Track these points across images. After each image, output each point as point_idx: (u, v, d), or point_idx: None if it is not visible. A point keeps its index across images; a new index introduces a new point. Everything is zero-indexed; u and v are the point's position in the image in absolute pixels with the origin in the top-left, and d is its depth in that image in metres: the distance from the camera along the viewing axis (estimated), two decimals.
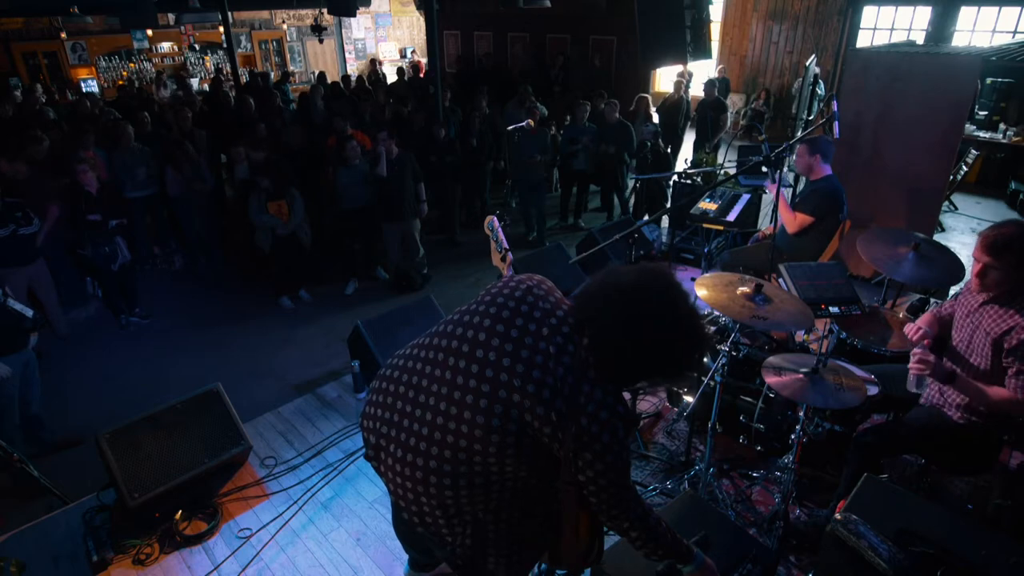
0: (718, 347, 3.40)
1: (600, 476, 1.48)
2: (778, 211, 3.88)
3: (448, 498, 1.57)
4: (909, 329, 2.63)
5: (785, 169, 4.10)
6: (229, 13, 9.38)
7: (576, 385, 1.46)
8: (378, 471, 1.72)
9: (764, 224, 5.94)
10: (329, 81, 10.94)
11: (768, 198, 5.98)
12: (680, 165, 8.44)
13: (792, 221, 3.95)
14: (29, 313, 3.46)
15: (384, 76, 13.24)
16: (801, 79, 10.03)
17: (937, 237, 6.35)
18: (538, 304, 1.55)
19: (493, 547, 1.69)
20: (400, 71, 11.87)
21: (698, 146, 8.36)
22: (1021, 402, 2.22)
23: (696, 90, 9.75)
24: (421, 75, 12.23)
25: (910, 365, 2.36)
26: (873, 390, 2.69)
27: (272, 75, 11.88)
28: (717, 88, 8.32)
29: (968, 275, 2.51)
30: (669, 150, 7.73)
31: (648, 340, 1.45)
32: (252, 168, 5.80)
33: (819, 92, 9.64)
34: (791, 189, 6.09)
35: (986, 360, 2.35)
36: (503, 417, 1.47)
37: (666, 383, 1.43)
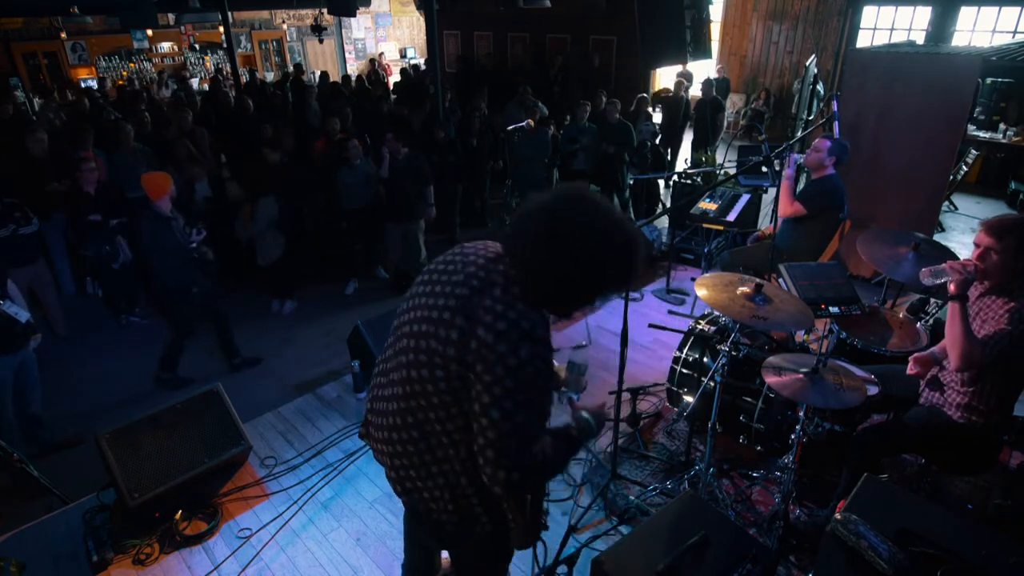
0: (718, 347, 3.40)
1: (494, 405, 1.38)
2: (778, 198, 3.87)
3: (414, 454, 1.59)
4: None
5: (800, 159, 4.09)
6: (229, 13, 9.38)
7: (478, 301, 1.43)
8: (372, 450, 1.77)
9: (764, 224, 5.94)
10: (329, 80, 10.98)
11: (768, 198, 5.99)
12: (680, 165, 8.44)
13: (787, 204, 3.94)
14: (23, 318, 3.45)
15: (384, 76, 13.27)
16: (801, 79, 10.03)
17: (937, 237, 6.34)
18: (460, 253, 1.58)
19: (481, 509, 1.64)
20: (403, 71, 11.96)
21: (696, 146, 8.37)
22: (976, 356, 2.23)
23: (694, 90, 9.76)
24: (388, 78, 12.40)
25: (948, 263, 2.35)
26: (873, 390, 2.69)
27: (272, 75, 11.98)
28: (715, 88, 8.32)
29: None
30: (668, 151, 7.73)
31: (568, 251, 1.41)
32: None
33: (819, 92, 9.64)
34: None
35: None
36: (421, 351, 1.50)
37: (602, 295, 1.33)
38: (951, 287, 2.31)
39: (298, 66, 12.51)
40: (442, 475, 1.59)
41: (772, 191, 3.94)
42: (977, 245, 2.36)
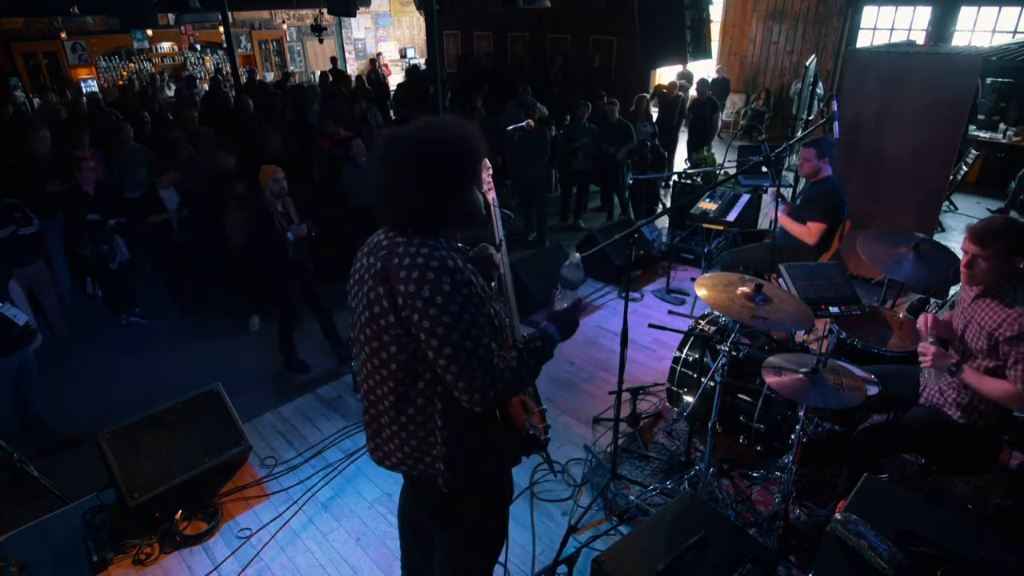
0: (718, 347, 3.40)
1: (444, 344, 1.48)
2: (790, 228, 3.86)
3: (399, 411, 1.65)
4: (920, 320, 2.61)
5: (785, 167, 4.10)
6: (229, 13, 9.38)
7: (389, 265, 1.54)
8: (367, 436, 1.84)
9: (764, 224, 5.94)
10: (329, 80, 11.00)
11: (768, 198, 5.98)
12: (679, 165, 8.45)
13: (807, 233, 3.92)
14: (21, 320, 3.45)
15: (384, 76, 13.28)
16: (799, 81, 10.03)
17: (937, 237, 6.34)
18: (368, 242, 1.70)
19: (471, 448, 1.69)
20: (408, 71, 12.09)
21: (693, 146, 8.37)
22: (1018, 396, 2.22)
23: (694, 90, 9.78)
24: (388, 76, 12.61)
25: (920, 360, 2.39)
26: (873, 390, 2.69)
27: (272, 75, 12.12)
28: (710, 87, 8.32)
29: None
30: (667, 154, 7.73)
31: (411, 175, 1.52)
32: (183, 194, 5.39)
33: (819, 92, 9.63)
34: (791, 189, 6.10)
35: (981, 353, 2.37)
36: (374, 338, 1.61)
37: (462, 184, 1.44)
38: (947, 373, 2.38)
39: (333, 59, 13.44)
40: (432, 432, 1.65)
41: (772, 191, 3.94)
42: (965, 252, 2.35)
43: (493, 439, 1.72)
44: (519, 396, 1.84)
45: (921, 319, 2.60)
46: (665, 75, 11.80)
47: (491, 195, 2.00)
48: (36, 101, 11.69)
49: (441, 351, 1.48)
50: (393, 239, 1.59)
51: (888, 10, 10.56)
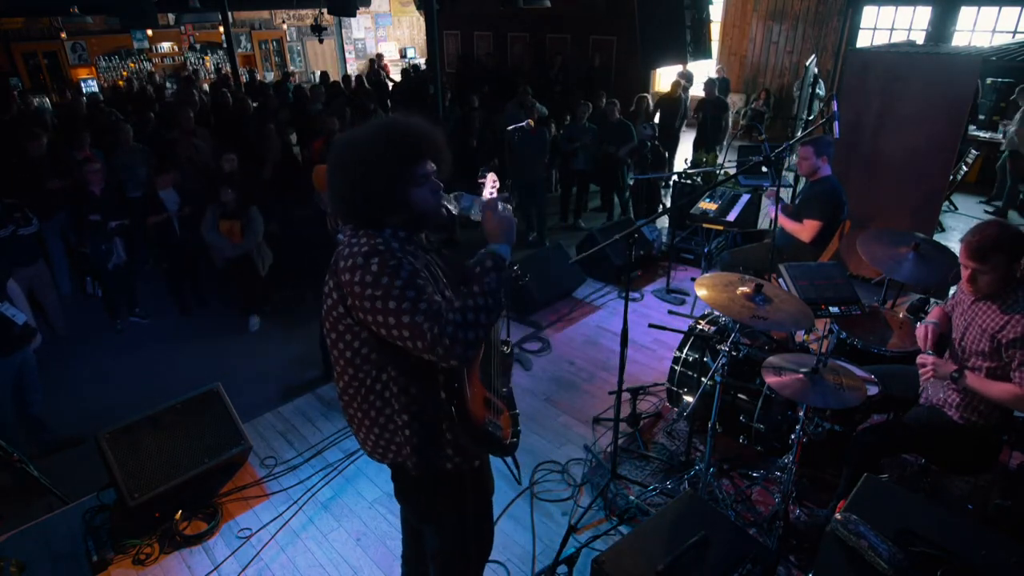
0: (718, 347, 3.40)
1: (390, 316, 1.49)
2: (785, 225, 3.86)
3: (369, 409, 1.70)
4: (919, 331, 2.62)
5: (785, 167, 4.10)
6: (229, 13, 9.38)
7: (339, 253, 1.62)
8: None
9: (764, 224, 5.94)
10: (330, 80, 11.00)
11: (768, 201, 5.97)
12: (680, 165, 8.44)
13: (803, 230, 3.92)
14: (20, 320, 3.45)
15: (385, 76, 13.28)
16: (800, 81, 10.03)
17: (937, 237, 6.34)
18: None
19: (438, 435, 1.71)
20: (404, 72, 12.08)
21: (698, 146, 8.36)
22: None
23: (696, 90, 9.77)
24: (387, 75, 12.80)
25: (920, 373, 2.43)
26: (873, 390, 2.69)
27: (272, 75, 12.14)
28: (717, 87, 8.32)
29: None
30: (666, 152, 7.72)
31: (346, 173, 1.60)
32: (183, 194, 5.32)
33: (819, 92, 9.63)
34: (791, 189, 6.10)
35: (983, 355, 2.37)
36: (332, 330, 1.68)
37: (393, 175, 1.48)
38: (949, 380, 2.40)
39: (379, 55, 14.17)
40: (391, 419, 1.69)
41: (771, 191, 3.94)
42: (965, 267, 2.34)
43: (452, 420, 1.72)
44: (482, 391, 1.81)
45: (920, 331, 2.61)
46: (665, 75, 11.82)
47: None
48: (36, 101, 11.70)
49: (388, 322, 1.50)
50: (350, 236, 1.67)
51: (888, 10, 10.56)
